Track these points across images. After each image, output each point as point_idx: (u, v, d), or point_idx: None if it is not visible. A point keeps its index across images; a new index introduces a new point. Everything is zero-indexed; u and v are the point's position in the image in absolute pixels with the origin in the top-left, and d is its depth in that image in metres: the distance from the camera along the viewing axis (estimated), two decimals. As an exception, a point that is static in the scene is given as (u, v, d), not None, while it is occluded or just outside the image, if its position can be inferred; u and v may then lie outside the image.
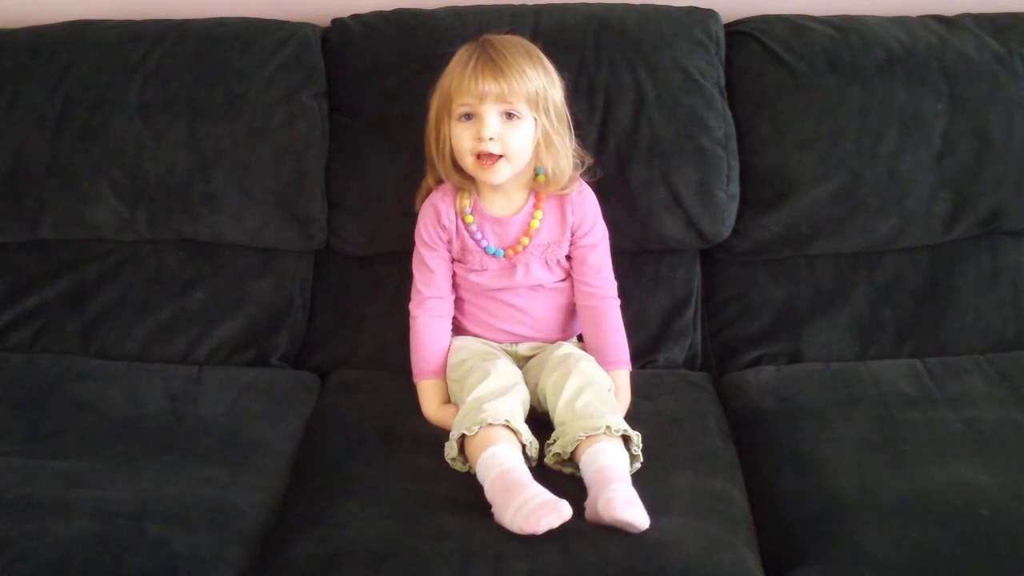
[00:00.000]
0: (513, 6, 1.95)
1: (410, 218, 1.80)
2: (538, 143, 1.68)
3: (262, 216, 1.89)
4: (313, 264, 1.98)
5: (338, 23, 1.96)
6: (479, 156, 1.65)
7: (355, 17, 1.95)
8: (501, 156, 1.65)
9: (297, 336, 1.96)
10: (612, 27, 1.89)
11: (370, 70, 1.89)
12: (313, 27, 1.96)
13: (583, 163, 1.76)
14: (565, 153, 1.70)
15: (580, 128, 1.76)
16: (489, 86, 1.62)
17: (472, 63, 1.63)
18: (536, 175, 1.72)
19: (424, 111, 1.75)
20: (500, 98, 1.63)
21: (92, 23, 1.96)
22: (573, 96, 1.74)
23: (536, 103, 1.65)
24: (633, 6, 1.96)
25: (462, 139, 1.66)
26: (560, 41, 1.81)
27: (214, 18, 1.96)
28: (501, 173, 1.67)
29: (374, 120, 1.89)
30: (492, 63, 1.62)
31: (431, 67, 1.77)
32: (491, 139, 1.63)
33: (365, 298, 1.96)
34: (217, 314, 1.94)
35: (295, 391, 1.85)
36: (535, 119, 1.66)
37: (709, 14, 1.94)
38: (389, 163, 1.87)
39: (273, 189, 1.87)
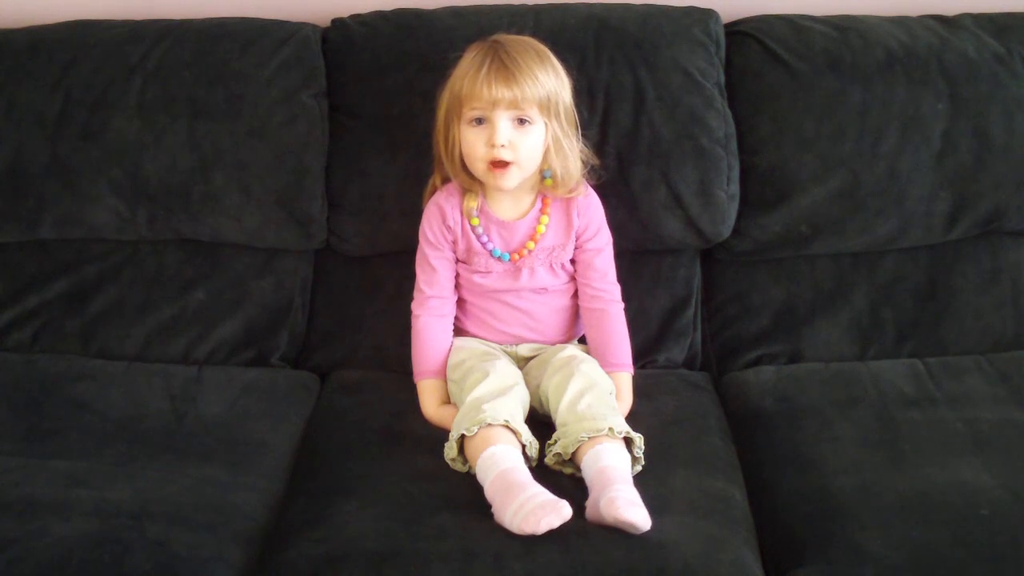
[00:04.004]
0: (513, 6, 1.95)
1: (410, 218, 1.80)
2: (548, 147, 1.67)
3: (262, 216, 1.89)
4: (313, 264, 1.98)
5: (338, 23, 1.96)
6: (491, 163, 1.65)
7: (355, 17, 1.95)
8: (512, 163, 1.65)
9: (297, 336, 1.96)
10: (612, 27, 1.89)
11: (370, 70, 1.89)
12: (313, 27, 1.96)
13: (588, 163, 1.76)
14: (573, 155, 1.70)
15: (581, 129, 1.76)
16: (501, 92, 1.61)
17: (484, 68, 1.62)
18: (543, 178, 1.72)
19: (425, 110, 1.75)
20: (512, 104, 1.62)
21: (92, 23, 1.96)
22: (574, 96, 1.73)
23: (547, 108, 1.65)
24: (633, 6, 1.96)
25: (474, 145, 1.65)
26: (560, 41, 1.80)
27: (214, 18, 1.96)
28: (512, 179, 1.67)
29: (374, 120, 1.88)
30: (504, 69, 1.61)
31: (431, 67, 1.77)
32: (503, 146, 1.63)
33: (365, 298, 1.96)
34: (217, 314, 1.94)
35: (295, 391, 1.85)
36: (546, 124, 1.66)
37: (709, 14, 1.94)
38: (389, 163, 1.87)
39: (273, 189, 1.87)
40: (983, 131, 1.88)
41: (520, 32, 1.78)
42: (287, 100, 1.87)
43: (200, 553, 1.43)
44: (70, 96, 1.88)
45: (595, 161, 1.78)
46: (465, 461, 1.56)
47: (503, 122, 1.63)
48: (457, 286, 1.79)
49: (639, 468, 1.56)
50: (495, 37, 1.68)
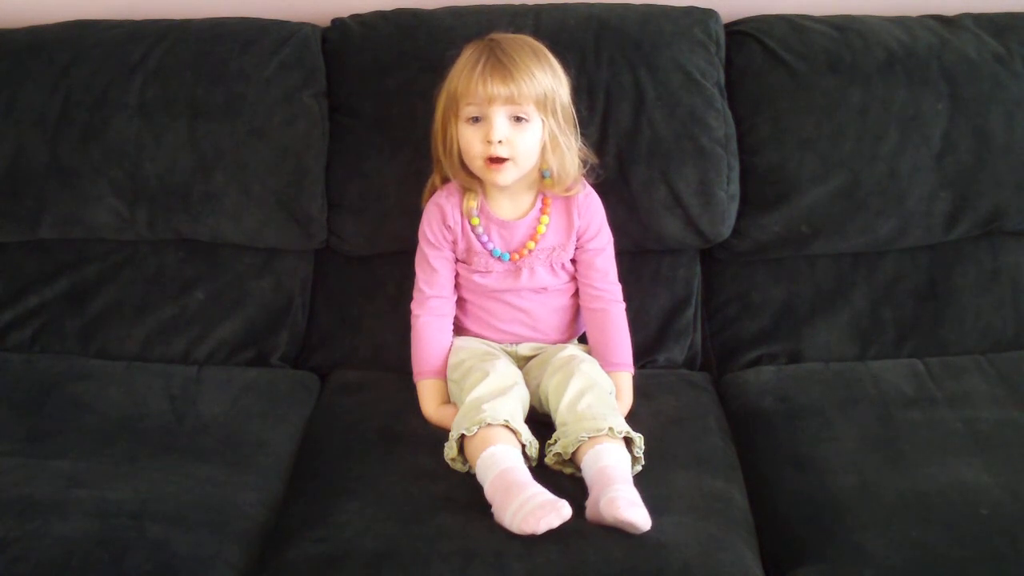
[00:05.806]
0: (513, 6, 1.95)
1: (410, 218, 1.80)
2: (544, 145, 1.67)
3: (262, 216, 1.89)
4: (313, 264, 1.98)
5: (338, 23, 1.96)
6: (488, 159, 1.65)
7: (355, 17, 1.95)
8: (508, 159, 1.65)
9: (297, 336, 1.96)
10: (612, 27, 1.89)
11: (370, 70, 1.89)
12: (313, 27, 1.96)
13: (587, 163, 1.76)
14: (571, 154, 1.70)
15: (581, 128, 1.76)
16: (498, 89, 1.61)
17: (480, 65, 1.62)
18: (543, 177, 1.72)
19: (425, 110, 1.75)
20: (509, 101, 1.62)
21: (92, 23, 1.96)
22: (573, 96, 1.73)
23: (544, 105, 1.65)
24: (633, 6, 1.96)
25: (471, 143, 1.65)
26: (560, 41, 1.80)
27: (214, 18, 1.96)
28: (508, 175, 1.67)
29: (374, 120, 1.88)
30: (501, 65, 1.62)
31: (431, 67, 1.77)
32: (500, 142, 1.63)
33: (365, 298, 1.96)
34: (217, 314, 1.94)
35: (295, 391, 1.85)
36: (543, 121, 1.66)
37: (709, 14, 1.94)
38: (389, 163, 1.87)
39: (273, 189, 1.87)
40: (983, 131, 1.88)
41: (520, 32, 1.77)
42: (287, 100, 1.87)
43: (200, 553, 1.43)
44: (70, 96, 1.88)
45: (594, 160, 1.78)
46: (465, 461, 1.56)
47: (499, 119, 1.63)
48: (457, 286, 1.79)
49: (639, 468, 1.56)
50: (491, 35, 1.68)
